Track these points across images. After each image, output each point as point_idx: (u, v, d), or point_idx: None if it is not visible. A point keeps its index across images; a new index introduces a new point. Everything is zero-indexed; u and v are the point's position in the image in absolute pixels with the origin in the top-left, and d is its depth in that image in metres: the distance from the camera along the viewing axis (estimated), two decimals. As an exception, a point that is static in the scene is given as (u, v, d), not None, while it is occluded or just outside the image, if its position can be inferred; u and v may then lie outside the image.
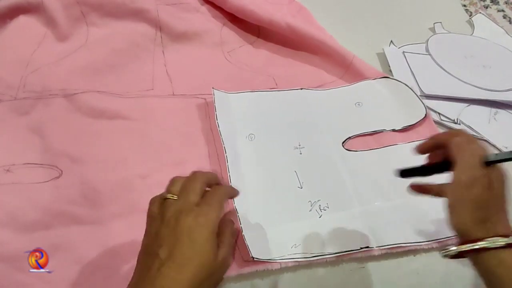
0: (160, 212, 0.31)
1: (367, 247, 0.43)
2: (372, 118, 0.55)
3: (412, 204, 0.47)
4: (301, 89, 0.57)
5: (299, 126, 0.53)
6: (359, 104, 0.56)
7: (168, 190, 0.32)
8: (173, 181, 0.33)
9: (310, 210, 0.46)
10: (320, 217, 0.46)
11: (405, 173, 0.38)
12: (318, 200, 0.47)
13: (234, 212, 0.43)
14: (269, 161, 0.50)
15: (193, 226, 0.29)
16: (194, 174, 0.33)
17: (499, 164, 0.32)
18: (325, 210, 0.46)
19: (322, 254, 0.42)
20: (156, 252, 0.29)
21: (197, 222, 0.29)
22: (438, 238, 0.44)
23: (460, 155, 0.32)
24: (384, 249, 0.43)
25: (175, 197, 0.31)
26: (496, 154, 0.32)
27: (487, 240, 0.30)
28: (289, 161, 0.50)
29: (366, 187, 0.48)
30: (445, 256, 0.33)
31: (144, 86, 0.56)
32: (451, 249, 0.32)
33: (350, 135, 0.53)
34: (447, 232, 0.45)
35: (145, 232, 0.32)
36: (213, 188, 0.33)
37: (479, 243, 0.30)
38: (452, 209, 0.32)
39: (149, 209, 0.32)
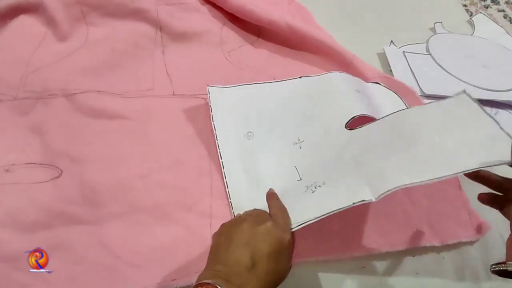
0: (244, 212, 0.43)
1: (363, 200, 0.37)
2: (373, 103, 0.52)
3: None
4: (300, 77, 0.54)
5: (298, 119, 0.51)
6: (358, 92, 0.53)
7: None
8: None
9: (305, 191, 0.43)
10: (313, 192, 0.42)
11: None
12: (315, 182, 0.43)
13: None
14: (268, 160, 0.49)
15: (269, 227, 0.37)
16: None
17: None
18: (320, 186, 0.42)
19: (309, 220, 0.38)
20: (243, 220, 0.39)
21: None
22: (445, 174, 0.35)
23: None
24: (383, 196, 0.36)
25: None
26: None
27: None
28: (289, 158, 0.48)
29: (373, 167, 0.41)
30: (494, 271, 0.35)
31: (144, 86, 0.56)
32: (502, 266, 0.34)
33: (354, 115, 0.47)
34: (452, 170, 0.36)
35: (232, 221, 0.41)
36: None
37: None
38: None
39: (234, 217, 0.43)
